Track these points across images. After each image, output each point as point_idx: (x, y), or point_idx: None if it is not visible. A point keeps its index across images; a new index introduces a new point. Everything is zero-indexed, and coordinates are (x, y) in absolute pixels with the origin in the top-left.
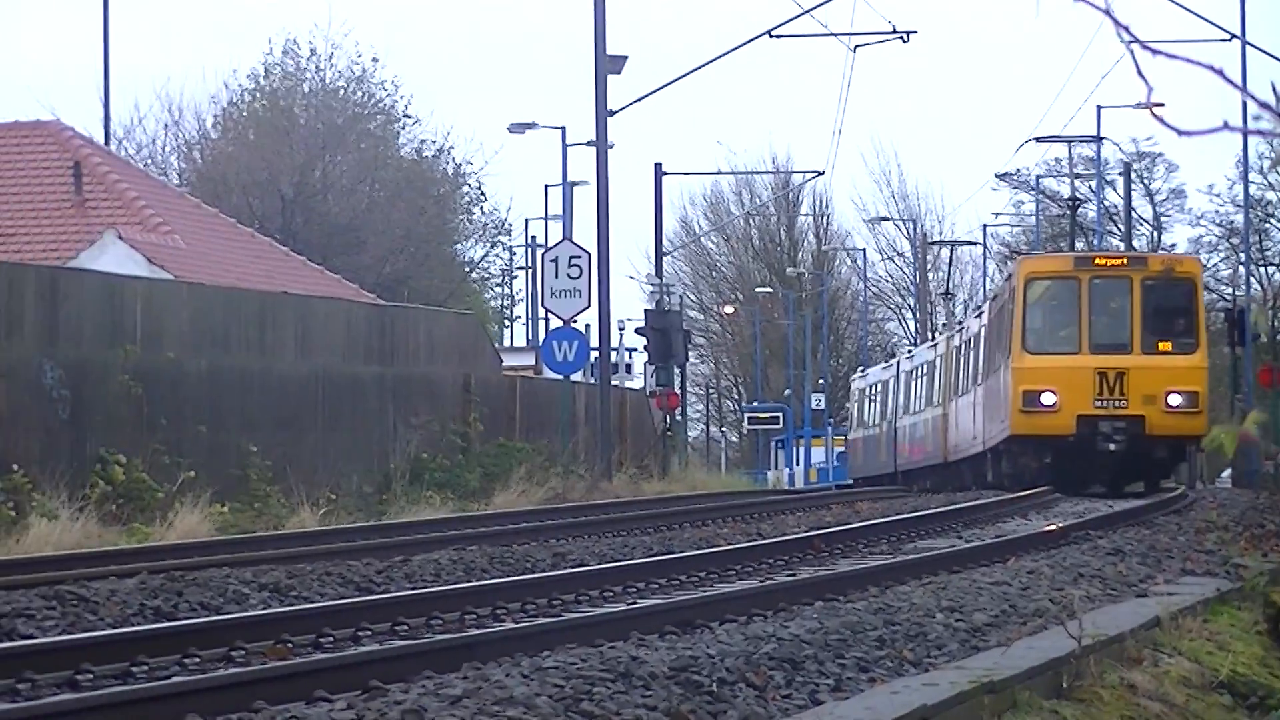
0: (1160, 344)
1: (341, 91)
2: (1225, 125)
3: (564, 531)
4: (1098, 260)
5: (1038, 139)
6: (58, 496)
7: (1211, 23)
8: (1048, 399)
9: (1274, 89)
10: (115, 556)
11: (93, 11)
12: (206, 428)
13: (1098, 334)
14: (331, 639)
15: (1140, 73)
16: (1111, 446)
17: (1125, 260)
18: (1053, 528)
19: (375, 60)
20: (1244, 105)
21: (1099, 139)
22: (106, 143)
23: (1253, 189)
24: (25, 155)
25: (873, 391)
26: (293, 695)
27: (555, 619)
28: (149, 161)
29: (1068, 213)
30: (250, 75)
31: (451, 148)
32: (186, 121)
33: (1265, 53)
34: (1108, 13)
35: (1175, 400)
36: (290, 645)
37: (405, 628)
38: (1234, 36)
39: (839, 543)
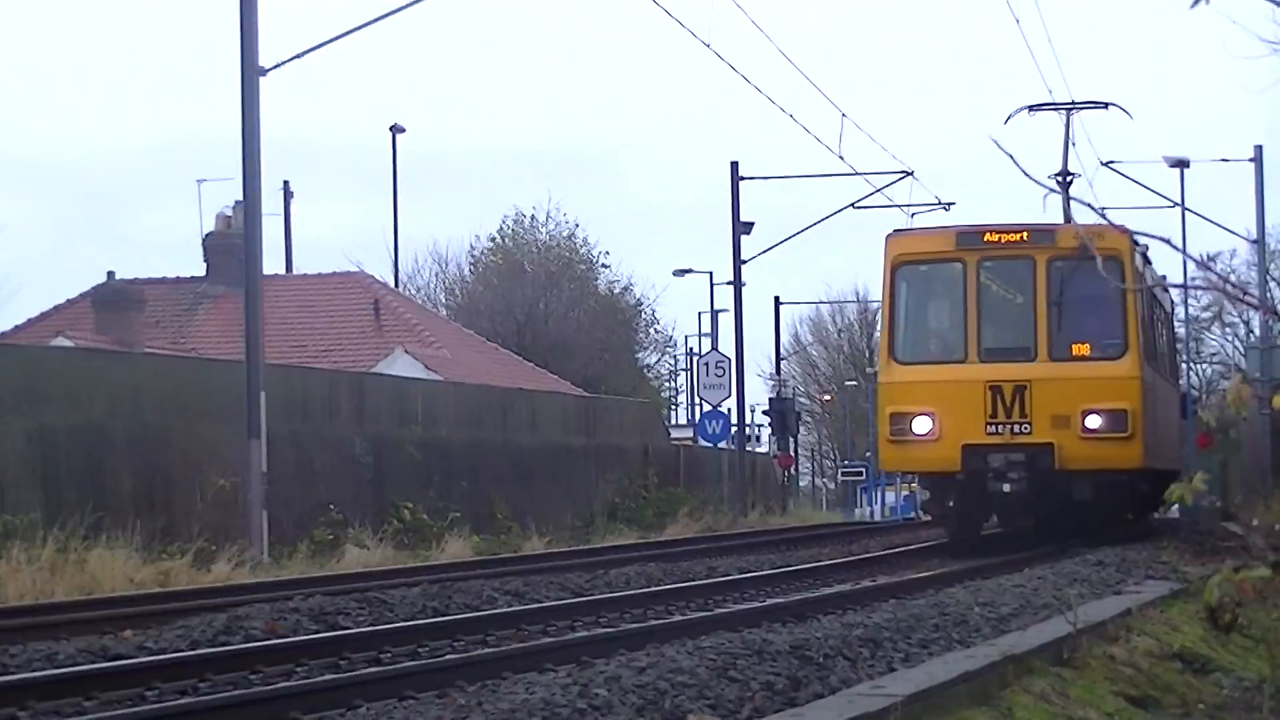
0: (1075, 346)
1: (556, 247)
2: (1171, 284)
3: (714, 552)
4: (989, 236)
5: (1030, 108)
6: (364, 531)
7: (1158, 193)
8: (922, 425)
9: (1205, 254)
10: (405, 572)
11: (383, 194)
12: (466, 483)
13: (990, 335)
14: (554, 628)
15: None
16: (1007, 487)
17: (1025, 235)
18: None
19: (578, 225)
20: (1184, 262)
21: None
22: (396, 285)
23: (1192, 309)
24: (340, 296)
25: None
26: (528, 667)
27: (709, 612)
28: (425, 298)
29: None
30: (492, 237)
31: (633, 286)
32: (450, 269)
33: (1202, 217)
34: (1092, 208)
35: (1094, 422)
36: (526, 632)
37: (605, 619)
38: (1175, 204)
39: (904, 559)
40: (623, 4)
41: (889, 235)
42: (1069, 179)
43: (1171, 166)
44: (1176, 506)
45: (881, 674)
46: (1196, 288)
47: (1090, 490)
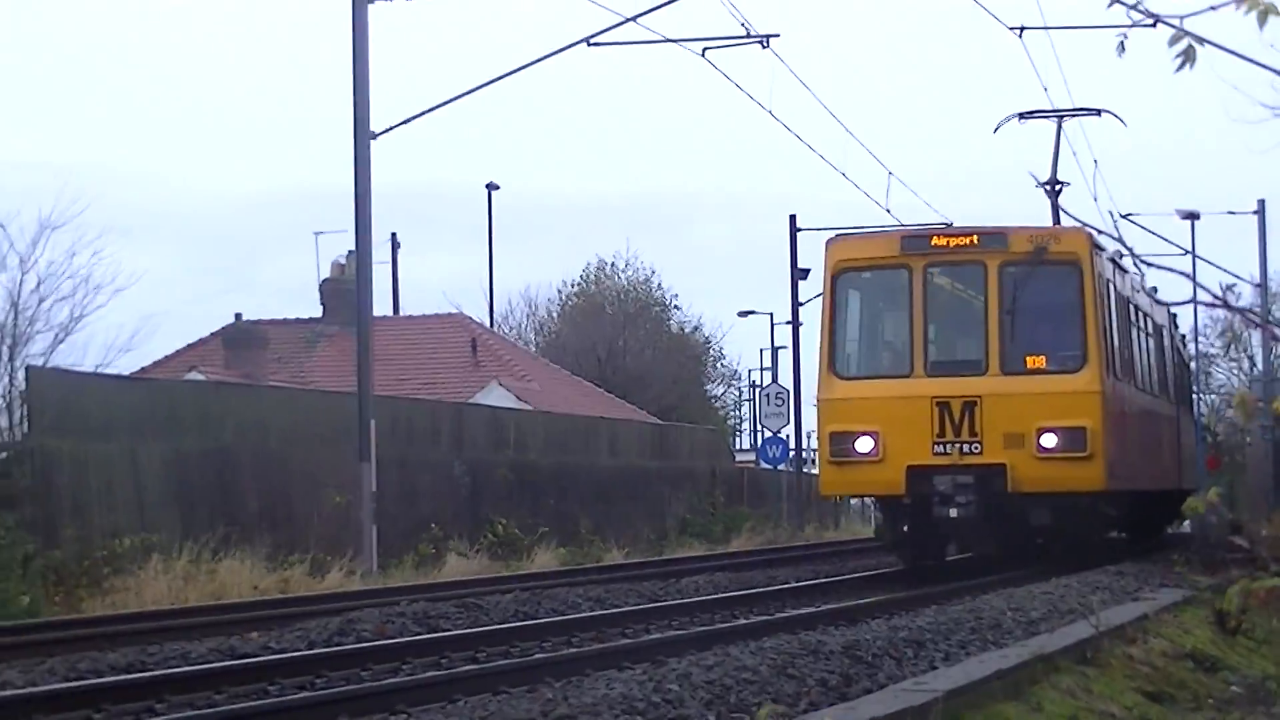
0: (1030, 359)
1: (633, 291)
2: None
3: (775, 563)
4: (936, 240)
5: (1021, 115)
6: (462, 544)
7: (1171, 242)
8: (864, 445)
9: (1222, 285)
10: (498, 581)
11: (480, 244)
12: (553, 501)
13: (938, 347)
14: (632, 630)
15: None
16: (954, 512)
17: (975, 239)
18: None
19: (653, 271)
20: (1194, 291)
21: None
22: (490, 325)
23: (1205, 343)
24: (441, 335)
25: None
26: (608, 666)
27: (769, 616)
28: (517, 336)
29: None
30: (576, 282)
31: (702, 325)
32: (539, 311)
33: (1210, 263)
34: (1118, 239)
35: (1050, 441)
36: (606, 634)
37: (677, 623)
38: (1187, 252)
39: (944, 568)
40: (694, 74)
41: (829, 241)
42: (1058, 187)
43: (1183, 219)
44: (1188, 522)
45: (924, 671)
46: (1209, 304)
47: (1048, 515)
